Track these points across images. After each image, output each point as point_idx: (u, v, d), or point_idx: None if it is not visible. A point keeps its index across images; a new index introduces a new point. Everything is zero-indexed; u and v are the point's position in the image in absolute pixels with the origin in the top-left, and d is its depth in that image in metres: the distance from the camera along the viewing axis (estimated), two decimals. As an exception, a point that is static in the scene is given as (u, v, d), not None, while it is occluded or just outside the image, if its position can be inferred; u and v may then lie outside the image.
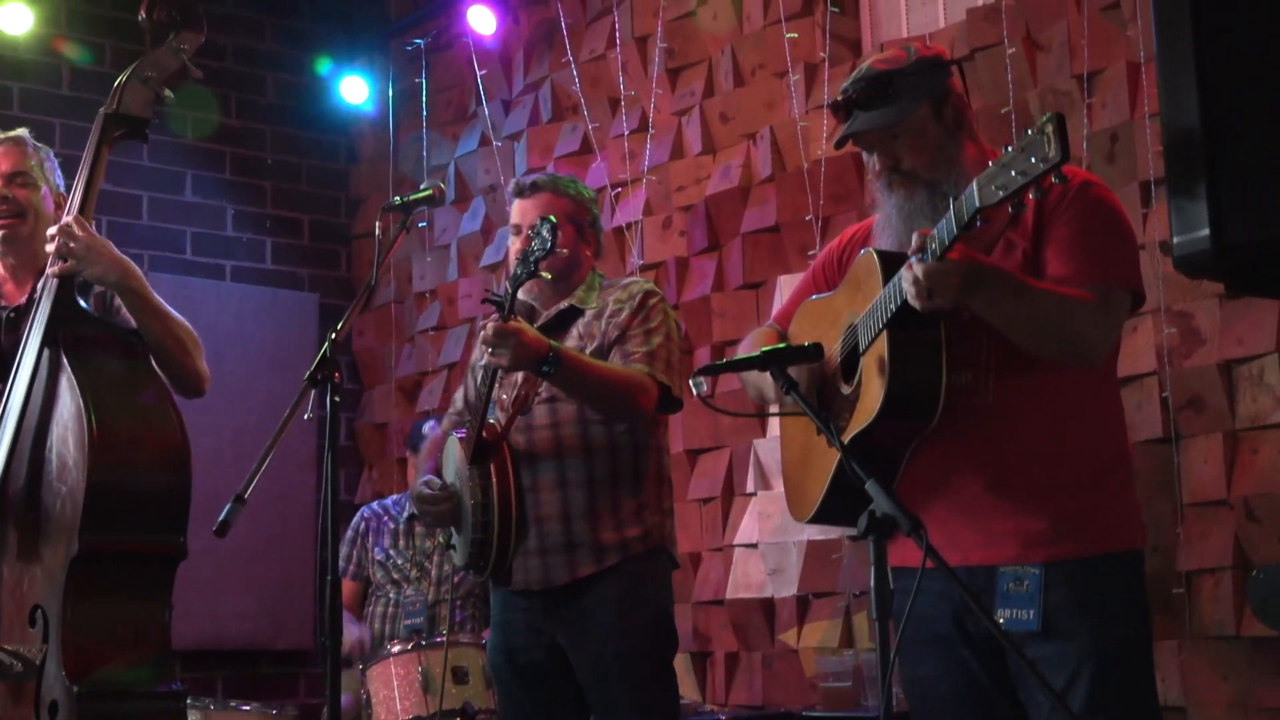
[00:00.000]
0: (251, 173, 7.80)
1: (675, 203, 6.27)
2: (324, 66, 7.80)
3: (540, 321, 3.89)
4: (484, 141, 7.31)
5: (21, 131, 3.86)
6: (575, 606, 3.78)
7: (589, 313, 3.86)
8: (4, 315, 3.73)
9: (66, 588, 3.29)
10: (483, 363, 3.72)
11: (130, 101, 3.58)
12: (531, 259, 3.60)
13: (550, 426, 3.79)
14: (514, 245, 3.91)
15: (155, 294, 3.60)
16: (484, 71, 7.15)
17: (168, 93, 3.60)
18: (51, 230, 3.48)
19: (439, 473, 4.00)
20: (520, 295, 3.86)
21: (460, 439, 3.86)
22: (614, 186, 6.48)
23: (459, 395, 4.14)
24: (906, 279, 2.70)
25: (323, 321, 7.74)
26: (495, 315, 3.62)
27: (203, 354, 3.67)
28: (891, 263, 2.84)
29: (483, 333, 3.59)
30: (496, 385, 3.86)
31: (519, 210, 3.91)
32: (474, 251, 7.35)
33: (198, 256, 7.54)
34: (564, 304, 3.89)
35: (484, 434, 3.78)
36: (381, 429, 7.79)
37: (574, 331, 3.85)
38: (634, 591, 3.77)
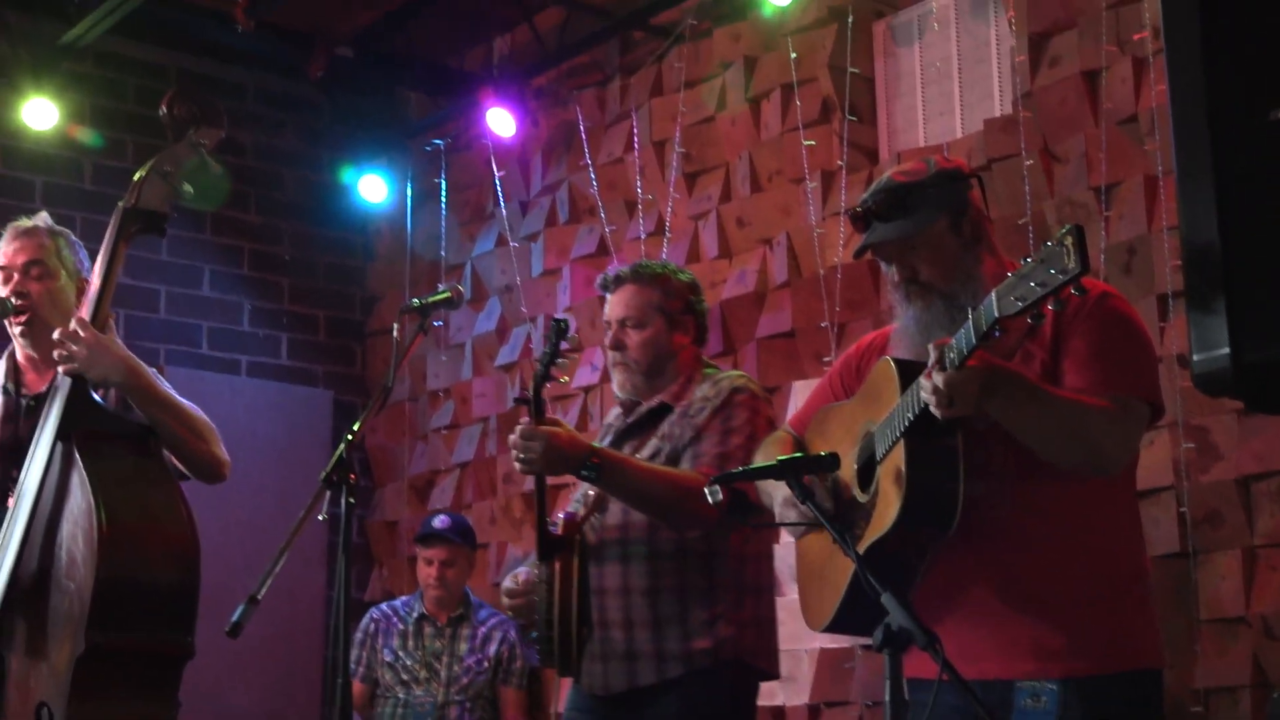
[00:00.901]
0: (269, 268, 7.84)
1: (695, 307, 6.26)
2: (343, 166, 7.87)
3: (633, 419, 3.80)
4: (501, 242, 7.33)
5: (40, 218, 3.85)
6: (636, 717, 3.67)
7: (678, 410, 3.72)
8: (24, 403, 3.71)
9: (72, 686, 3.25)
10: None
11: (149, 196, 3.57)
12: (543, 363, 3.56)
13: (619, 528, 3.69)
14: (607, 341, 3.80)
15: (164, 387, 3.59)
16: (502, 173, 7.19)
17: (187, 187, 3.60)
18: (56, 334, 3.47)
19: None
20: (617, 391, 3.80)
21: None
22: None
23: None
24: (926, 388, 2.69)
25: (337, 418, 7.75)
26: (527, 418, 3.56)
27: (219, 440, 3.64)
28: (909, 371, 2.83)
29: (511, 435, 3.54)
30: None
31: (609, 306, 3.82)
32: (489, 350, 7.36)
33: (214, 351, 7.56)
34: (655, 401, 3.77)
35: (558, 530, 3.69)
36: (392, 527, 7.76)
37: (659, 431, 3.73)
38: (696, 709, 3.62)
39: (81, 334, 3.44)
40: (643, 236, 6.48)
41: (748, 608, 3.71)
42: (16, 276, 3.72)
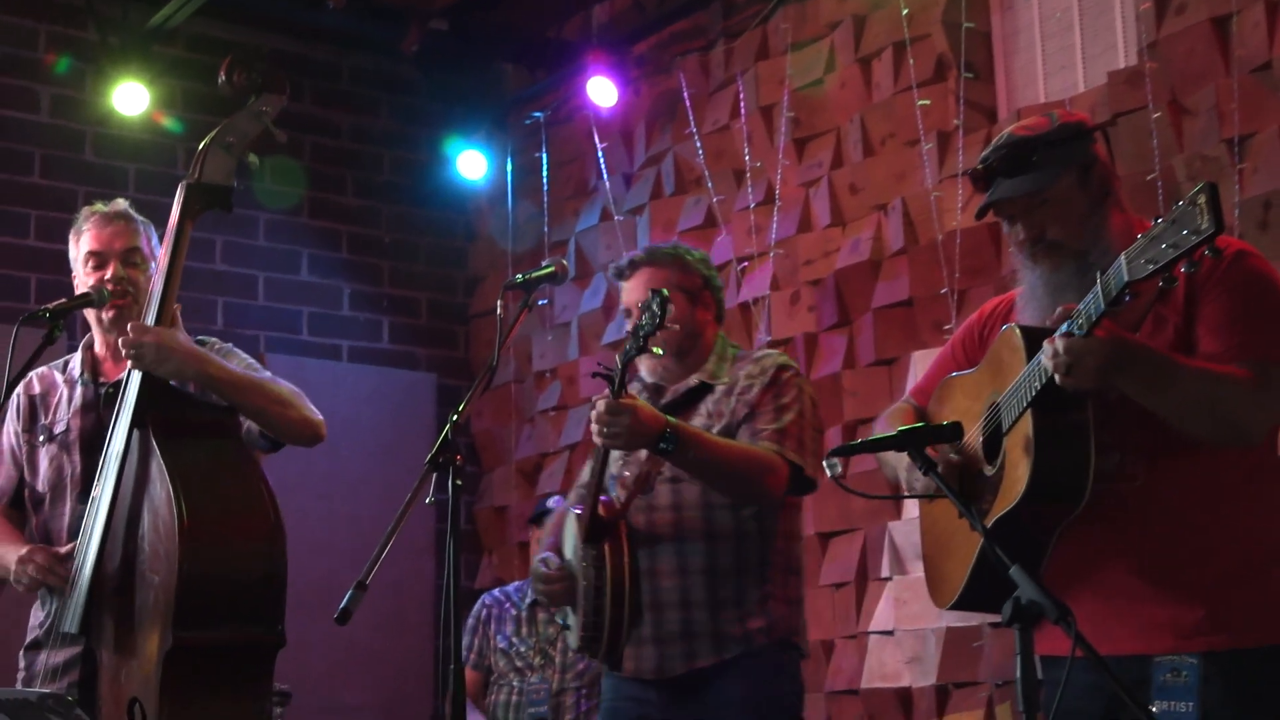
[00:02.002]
0: (368, 251, 7.90)
1: (803, 277, 6.25)
2: (441, 144, 7.89)
3: (667, 399, 3.81)
4: (605, 216, 7.34)
5: (124, 204, 3.85)
6: (694, 702, 3.70)
7: (719, 389, 3.77)
8: (104, 391, 3.73)
9: (162, 683, 3.27)
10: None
11: (212, 170, 3.53)
12: (641, 334, 3.55)
13: (672, 508, 3.73)
14: (627, 328, 3.81)
15: (237, 368, 3.59)
16: (604, 145, 7.20)
17: (253, 158, 3.56)
18: (121, 340, 3.47)
19: (560, 550, 3.95)
20: (646, 375, 3.83)
21: (577, 516, 3.81)
22: (740, 260, 6.47)
23: (586, 468, 4.07)
24: (1047, 352, 2.67)
25: (440, 402, 7.80)
26: (607, 392, 3.58)
27: (305, 401, 3.62)
28: (1036, 339, 2.80)
29: (593, 411, 3.55)
30: (619, 461, 3.82)
31: (624, 293, 3.87)
32: (595, 329, 7.36)
33: (314, 337, 7.63)
34: (693, 380, 3.81)
35: (601, 512, 3.73)
36: (501, 512, 7.80)
37: (702, 409, 3.77)
38: (759, 690, 3.67)
39: (145, 336, 3.44)
40: (752, 206, 6.45)
41: (793, 587, 3.80)
42: (114, 263, 3.72)
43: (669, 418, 3.57)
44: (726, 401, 3.74)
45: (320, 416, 3.64)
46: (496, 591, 6.19)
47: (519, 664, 5.90)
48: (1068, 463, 2.76)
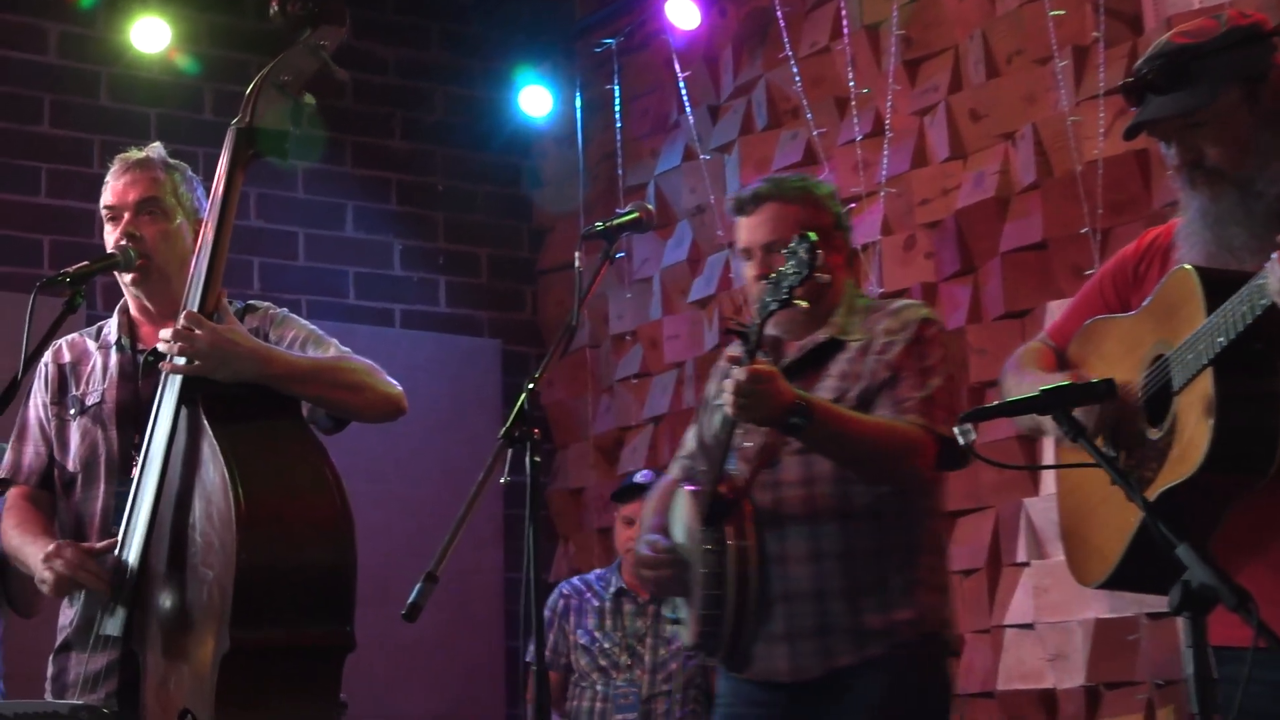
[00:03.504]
0: (420, 202, 7.93)
1: (919, 218, 6.21)
2: (500, 78, 7.91)
3: (791, 357, 3.78)
4: (688, 155, 7.32)
5: (152, 149, 3.85)
6: (830, 708, 3.67)
7: (853, 346, 3.73)
8: (143, 359, 3.75)
9: (219, 691, 3.27)
10: (723, 408, 3.62)
11: (265, 112, 3.52)
12: (785, 285, 3.51)
13: (802, 484, 3.69)
14: (748, 272, 3.82)
15: (302, 355, 3.61)
16: (686, 74, 7.17)
17: (309, 99, 3.54)
18: (165, 333, 3.47)
19: (666, 530, 3.92)
20: (767, 327, 3.77)
21: (691, 493, 3.78)
22: (845, 202, 6.36)
23: (690, 435, 4.04)
24: (1273, 288, 2.60)
25: (506, 371, 7.84)
26: (733, 350, 3.56)
27: (379, 373, 3.64)
28: (1217, 283, 2.76)
29: (731, 378, 3.49)
30: (738, 430, 3.76)
31: (744, 230, 3.82)
32: (680, 285, 7.35)
33: (362, 300, 7.69)
34: (822, 335, 3.77)
35: (721, 489, 3.71)
36: (577, 495, 7.82)
37: (833, 370, 3.73)
38: (904, 691, 3.65)
39: (198, 332, 3.42)
40: (858, 139, 6.42)
41: (940, 572, 3.79)
42: (128, 216, 3.73)
43: (800, 391, 3.55)
44: (862, 361, 3.71)
45: (399, 387, 3.65)
46: (575, 580, 6.21)
47: (603, 662, 5.91)
48: (1255, 428, 2.73)
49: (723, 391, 3.53)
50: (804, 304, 3.59)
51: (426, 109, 8.03)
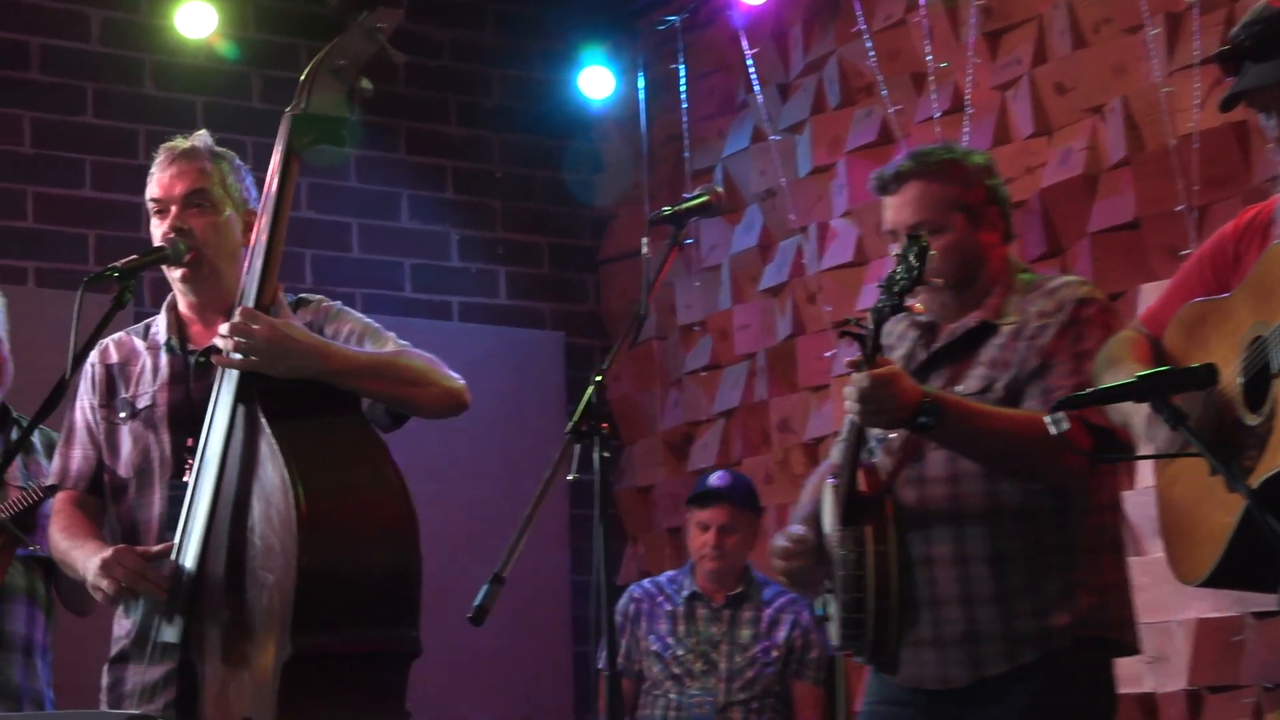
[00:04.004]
0: (478, 190, 7.93)
1: (1004, 198, 6.16)
2: (558, 59, 7.90)
3: (942, 342, 3.76)
4: (757, 136, 7.30)
5: (199, 138, 3.86)
6: (976, 717, 3.65)
7: (1005, 331, 3.69)
8: (193, 360, 3.77)
9: (280, 699, 3.28)
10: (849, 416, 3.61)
11: (321, 99, 3.53)
12: (896, 288, 3.48)
13: (948, 481, 3.67)
14: (892, 253, 3.76)
15: (361, 350, 3.62)
16: (754, 50, 7.14)
17: (365, 84, 3.55)
18: (223, 329, 3.48)
19: (817, 519, 3.89)
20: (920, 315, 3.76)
21: (832, 487, 3.76)
22: None
23: (846, 426, 3.98)
24: None
25: (570, 364, 7.85)
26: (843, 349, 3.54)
27: (441, 367, 3.67)
28: None
29: (851, 385, 3.47)
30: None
31: (891, 210, 3.76)
32: (750, 272, 7.34)
33: (418, 293, 7.70)
34: (973, 320, 3.73)
35: (862, 485, 3.69)
36: (645, 493, 7.82)
37: (984, 356, 3.69)
38: (1056, 700, 3.61)
39: (255, 327, 3.44)
40: (936, 116, 6.38)
41: (1107, 570, 3.69)
42: (174, 210, 3.75)
43: (927, 388, 3.52)
44: (1014, 347, 3.66)
45: (460, 381, 3.67)
46: (647, 583, 6.20)
47: (676, 670, 5.91)
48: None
49: (846, 399, 3.50)
50: (919, 309, 3.58)
51: (483, 93, 8.02)
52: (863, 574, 3.64)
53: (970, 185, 3.75)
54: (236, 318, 3.46)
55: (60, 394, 3.45)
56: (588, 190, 8.20)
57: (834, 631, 3.83)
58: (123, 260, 3.64)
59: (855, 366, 3.52)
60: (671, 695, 5.88)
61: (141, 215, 6.97)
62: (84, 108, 7.13)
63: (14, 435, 4.56)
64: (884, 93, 6.62)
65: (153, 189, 3.80)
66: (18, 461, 4.44)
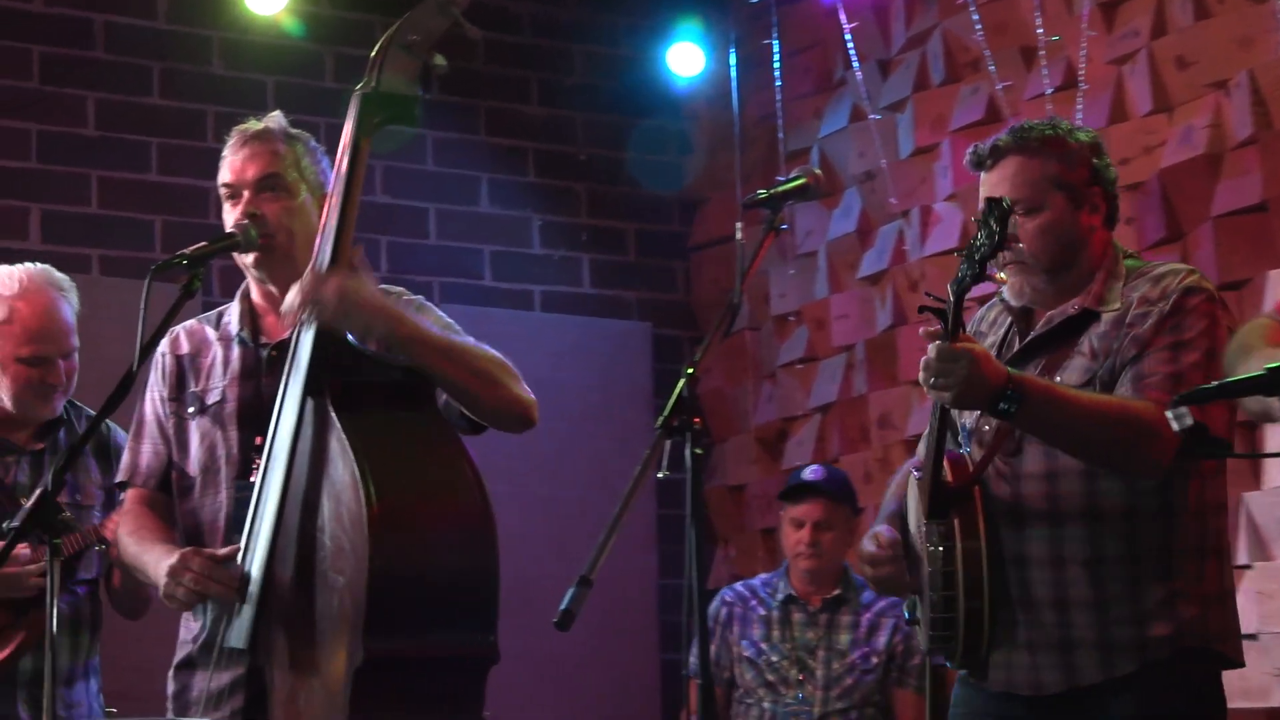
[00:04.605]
0: (561, 173, 7.94)
1: (1119, 179, 6.08)
2: (646, 34, 7.89)
3: (1040, 330, 3.72)
4: (856, 115, 7.29)
5: (273, 119, 3.86)
6: None
7: (1107, 319, 3.64)
8: (265, 353, 3.79)
9: (352, 707, 3.29)
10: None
11: (392, 76, 3.54)
12: (976, 256, 3.43)
13: (1044, 477, 3.64)
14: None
15: (437, 330, 3.62)
16: (853, 24, 7.10)
17: (439, 61, 3.54)
18: (293, 291, 3.50)
19: (903, 518, 3.86)
20: (1011, 297, 3.74)
21: (918, 479, 3.73)
22: None
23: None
24: None
25: (657, 357, 7.83)
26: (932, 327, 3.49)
27: (518, 376, 3.66)
28: None
29: (926, 357, 3.44)
30: (975, 413, 3.72)
31: (987, 187, 3.72)
32: (849, 259, 7.32)
33: (498, 282, 7.71)
34: (1073, 306, 3.68)
35: (948, 477, 3.64)
36: (738, 493, 7.80)
37: (1084, 345, 3.65)
38: (1156, 714, 3.60)
39: (323, 285, 3.46)
40: (1048, 93, 6.34)
41: (1210, 578, 3.65)
42: (247, 195, 3.77)
43: (1011, 370, 3.48)
44: (1114, 335, 3.61)
45: (532, 396, 3.66)
46: (739, 586, 6.19)
47: (770, 677, 5.90)
48: None
49: (920, 373, 3.47)
50: (1003, 277, 3.55)
51: (566, 70, 8.02)
52: (952, 570, 3.59)
53: (1073, 163, 3.70)
54: (306, 278, 3.48)
55: (126, 388, 3.45)
56: (676, 173, 8.20)
57: (922, 635, 3.80)
58: (191, 247, 3.64)
59: (932, 338, 3.47)
60: (765, 704, 5.88)
61: (210, 200, 7.07)
62: (150, 88, 7.17)
63: (66, 430, 4.61)
64: (991, 68, 6.58)
65: (224, 173, 3.81)
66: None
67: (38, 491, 3.36)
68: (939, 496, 3.62)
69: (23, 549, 4.29)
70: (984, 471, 3.66)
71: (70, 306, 4.57)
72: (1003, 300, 3.81)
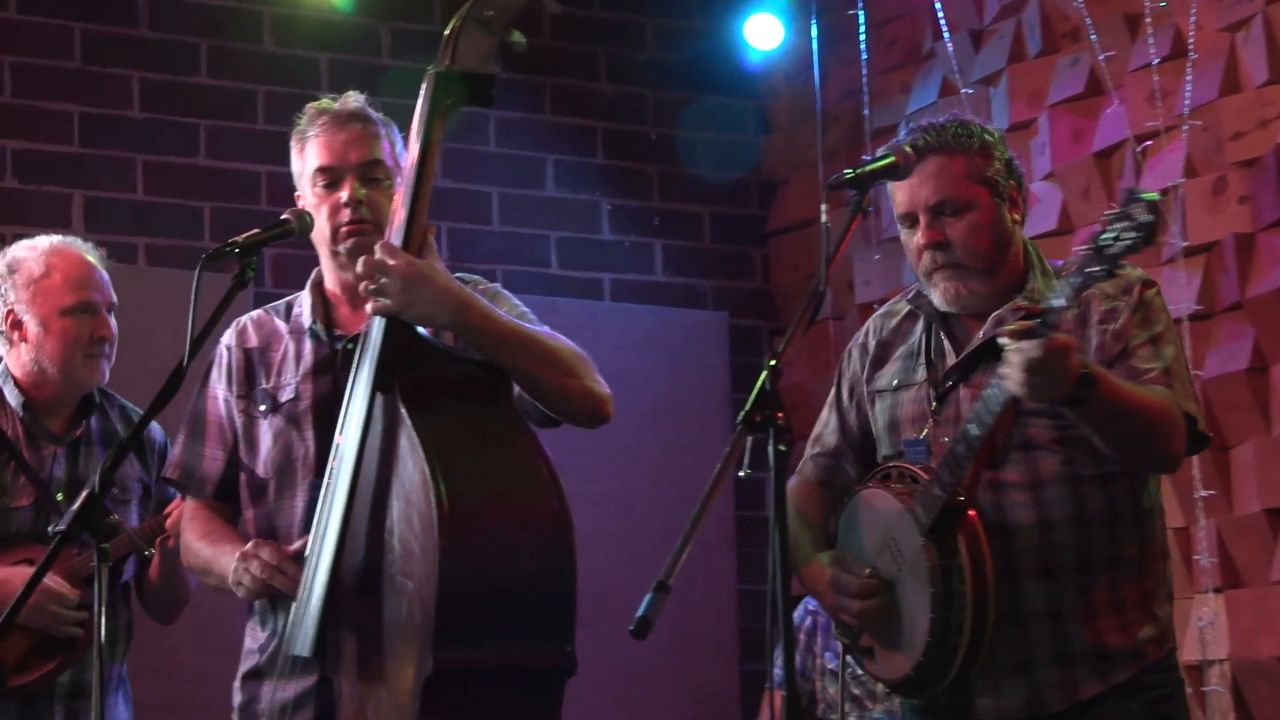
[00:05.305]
0: (632, 154, 7.93)
1: (1230, 156, 6.09)
2: (722, 6, 7.87)
3: (989, 333, 3.72)
4: (946, 90, 7.28)
5: (359, 100, 3.88)
6: None
7: (1065, 318, 3.63)
8: (341, 346, 3.78)
9: (421, 718, 3.29)
10: (998, 389, 3.54)
11: (467, 54, 3.54)
12: (1114, 248, 3.35)
13: (1029, 486, 3.67)
14: (909, 240, 3.76)
15: (507, 316, 3.62)
16: (943, -8, 7.10)
17: (517, 37, 3.54)
18: (360, 264, 3.50)
19: (830, 542, 3.87)
20: (940, 301, 3.76)
21: (899, 495, 3.71)
22: (1139, 140, 6.35)
23: (829, 427, 4.03)
24: None
25: (734, 349, 7.80)
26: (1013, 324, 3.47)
27: (592, 368, 3.67)
28: None
29: (1020, 353, 3.38)
30: (939, 419, 3.74)
31: (906, 191, 3.75)
32: (938, 243, 7.26)
33: (565, 269, 7.71)
34: (1020, 305, 3.71)
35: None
36: (820, 494, 7.75)
37: None
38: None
39: (391, 262, 3.46)
40: (1154, 63, 6.29)
41: (1170, 578, 3.80)
42: (350, 181, 3.77)
43: (1084, 360, 3.47)
44: (1082, 333, 3.66)
45: (608, 390, 3.67)
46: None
47: (856, 690, 5.90)
48: None
49: (1006, 367, 3.44)
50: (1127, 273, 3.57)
51: (637, 45, 8.02)
52: (952, 592, 3.59)
53: (990, 159, 3.77)
54: (376, 252, 3.47)
55: (176, 385, 3.44)
56: (754, 153, 8.19)
57: (883, 666, 3.77)
58: (244, 235, 3.62)
59: (1028, 335, 3.42)
60: (851, 719, 5.85)
61: (261, 185, 7.09)
62: (197, 67, 7.18)
63: (99, 417, 4.63)
64: (1093, 38, 6.55)
65: (320, 155, 3.80)
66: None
67: (84, 493, 3.35)
68: (945, 512, 3.63)
69: (64, 586, 4.35)
70: (978, 485, 3.66)
71: (104, 269, 4.66)
72: (918, 307, 3.85)
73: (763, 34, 7.74)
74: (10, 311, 4.57)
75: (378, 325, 3.52)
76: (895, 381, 3.86)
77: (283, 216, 3.75)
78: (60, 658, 4.42)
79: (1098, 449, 3.60)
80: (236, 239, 3.61)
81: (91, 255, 4.65)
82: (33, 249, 4.61)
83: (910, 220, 3.77)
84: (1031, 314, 3.49)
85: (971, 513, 3.64)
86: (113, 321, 4.62)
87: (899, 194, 3.79)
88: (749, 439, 3.11)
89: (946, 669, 3.65)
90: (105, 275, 4.64)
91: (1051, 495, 3.66)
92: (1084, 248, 3.43)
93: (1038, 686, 3.65)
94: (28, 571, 3.98)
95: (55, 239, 4.66)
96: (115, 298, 4.65)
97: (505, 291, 3.83)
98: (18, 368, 4.59)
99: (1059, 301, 3.39)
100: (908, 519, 3.67)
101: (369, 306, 3.50)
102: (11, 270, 4.59)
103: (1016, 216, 3.79)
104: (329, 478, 3.54)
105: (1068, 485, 3.67)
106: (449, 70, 3.54)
